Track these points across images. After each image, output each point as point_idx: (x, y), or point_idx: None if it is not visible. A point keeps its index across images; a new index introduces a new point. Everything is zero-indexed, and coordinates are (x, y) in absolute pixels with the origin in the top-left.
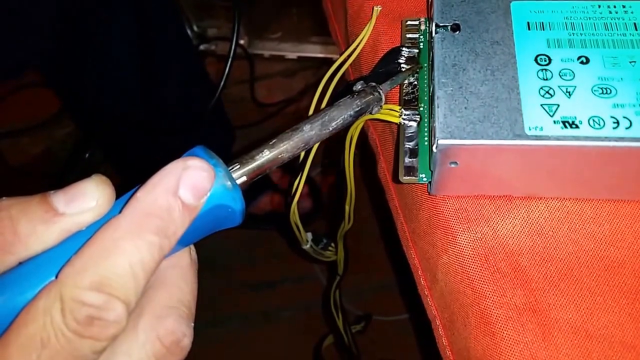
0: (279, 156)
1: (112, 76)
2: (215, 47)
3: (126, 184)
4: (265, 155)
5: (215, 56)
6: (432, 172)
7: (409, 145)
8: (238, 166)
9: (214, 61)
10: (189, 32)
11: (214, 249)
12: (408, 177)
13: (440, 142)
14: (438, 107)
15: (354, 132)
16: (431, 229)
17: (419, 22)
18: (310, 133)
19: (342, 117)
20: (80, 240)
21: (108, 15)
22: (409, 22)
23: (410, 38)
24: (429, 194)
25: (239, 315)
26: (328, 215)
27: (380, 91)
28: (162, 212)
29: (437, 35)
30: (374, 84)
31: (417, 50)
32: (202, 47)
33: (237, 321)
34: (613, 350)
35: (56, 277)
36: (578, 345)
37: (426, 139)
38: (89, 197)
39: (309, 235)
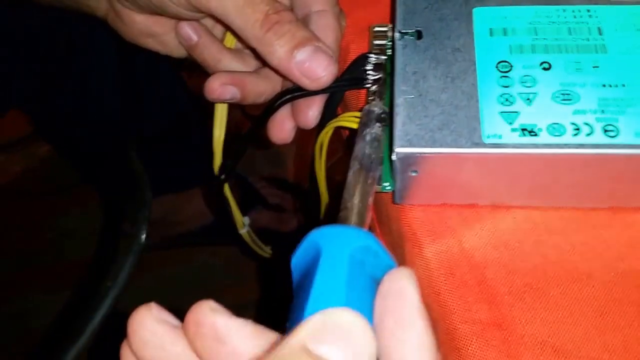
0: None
1: (95, 95)
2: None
3: (110, 202)
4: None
5: (198, 69)
6: (394, 180)
7: None
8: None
9: (198, 74)
10: None
11: (199, 268)
12: None
13: (398, 150)
14: (397, 114)
15: (324, 138)
16: (401, 241)
17: (388, 29)
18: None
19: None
20: None
21: (90, 35)
22: (376, 29)
23: (377, 45)
24: (394, 203)
25: None
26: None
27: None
28: None
29: (399, 42)
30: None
31: (385, 57)
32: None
33: None
34: None
35: None
36: None
37: (388, 148)
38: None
39: (247, 219)
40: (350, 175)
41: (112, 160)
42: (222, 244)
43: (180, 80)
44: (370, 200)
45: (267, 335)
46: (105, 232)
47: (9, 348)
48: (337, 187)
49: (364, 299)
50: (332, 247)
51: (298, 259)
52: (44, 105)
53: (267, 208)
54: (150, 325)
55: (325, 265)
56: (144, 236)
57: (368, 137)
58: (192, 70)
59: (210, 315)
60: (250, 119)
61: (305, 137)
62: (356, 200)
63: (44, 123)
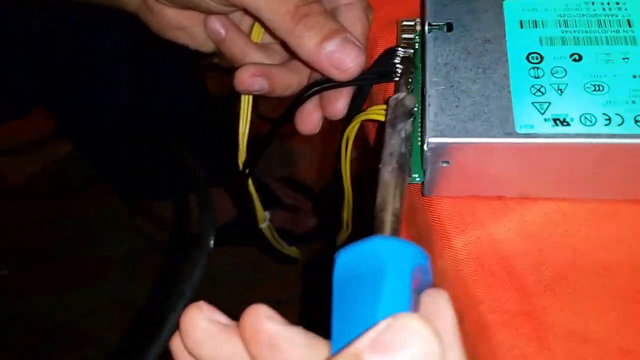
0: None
1: (101, 94)
2: (217, 60)
3: (124, 198)
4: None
5: (218, 69)
6: (424, 172)
7: None
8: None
9: (215, 75)
10: None
11: (222, 268)
12: None
13: (431, 140)
14: (429, 105)
15: (351, 133)
16: (428, 233)
17: (415, 23)
18: (396, 177)
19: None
20: None
21: (97, 35)
22: (404, 23)
23: (405, 38)
24: (422, 195)
25: None
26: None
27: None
28: None
29: (429, 34)
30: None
31: (412, 51)
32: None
33: None
34: (609, 355)
35: None
36: (573, 350)
37: (419, 139)
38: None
39: (267, 214)
40: (387, 174)
41: (132, 157)
42: (241, 244)
43: (189, 79)
44: (406, 200)
45: (318, 344)
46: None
47: (14, 348)
48: (356, 181)
49: None
50: (398, 263)
51: (348, 260)
52: (62, 103)
53: (282, 208)
54: (203, 324)
55: (392, 280)
56: (212, 240)
57: (403, 134)
58: (210, 70)
59: (265, 323)
60: (266, 122)
61: (321, 137)
62: (397, 203)
63: (63, 120)
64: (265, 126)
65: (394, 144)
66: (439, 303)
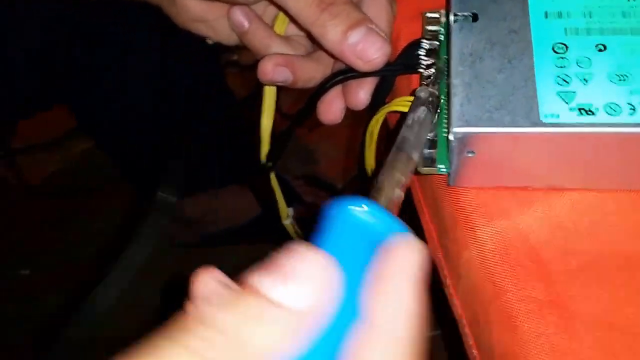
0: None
1: (130, 89)
2: (237, 57)
3: (140, 192)
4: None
5: (237, 66)
6: (450, 162)
7: (428, 136)
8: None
9: (236, 71)
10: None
11: (242, 266)
12: (427, 168)
13: (456, 130)
14: (454, 95)
15: (375, 127)
16: (453, 224)
17: (439, 15)
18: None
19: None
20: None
21: (127, 31)
22: (429, 15)
23: (430, 30)
24: (448, 185)
25: None
26: None
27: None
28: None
29: (455, 24)
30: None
31: (437, 43)
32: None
33: None
34: (637, 343)
35: None
36: (601, 338)
37: (445, 130)
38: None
39: (291, 211)
40: (389, 157)
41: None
42: (262, 241)
43: (217, 78)
44: (405, 180)
45: None
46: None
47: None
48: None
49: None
50: (343, 215)
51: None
52: (85, 100)
53: (303, 206)
54: (213, 285)
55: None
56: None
57: (409, 121)
58: (230, 67)
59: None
60: (286, 118)
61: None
62: (386, 180)
63: (85, 117)
64: (285, 123)
65: (399, 132)
66: (397, 246)
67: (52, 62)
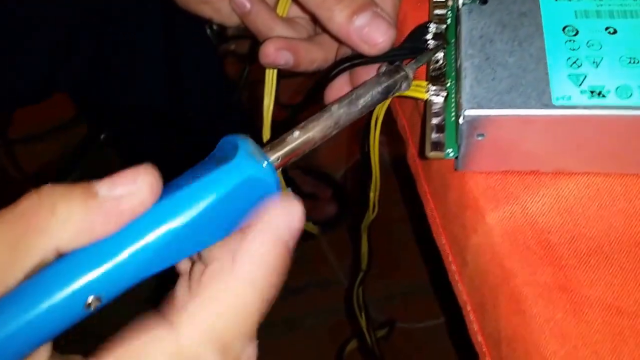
0: (311, 137)
1: (138, 76)
2: (234, 47)
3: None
4: (297, 137)
5: (235, 55)
6: (458, 146)
7: (436, 120)
8: (269, 148)
9: (234, 61)
10: (207, 31)
11: None
12: (435, 152)
13: (467, 112)
14: (465, 77)
15: (380, 112)
16: (460, 210)
17: None
18: (339, 112)
19: (370, 94)
20: (134, 232)
21: (135, 22)
22: None
23: (437, 14)
24: (456, 169)
25: (262, 324)
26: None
27: (407, 70)
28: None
29: (464, 7)
30: (398, 63)
31: (444, 26)
32: (221, 46)
33: (260, 330)
34: None
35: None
36: (610, 322)
37: (453, 114)
38: (133, 181)
39: (289, 190)
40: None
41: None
42: None
43: (219, 72)
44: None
45: None
46: None
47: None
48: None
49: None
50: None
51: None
52: (91, 90)
53: (301, 196)
54: None
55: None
56: None
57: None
58: (227, 56)
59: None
60: (284, 108)
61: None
62: (296, 133)
63: (90, 107)
64: (284, 114)
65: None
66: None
67: (60, 49)
